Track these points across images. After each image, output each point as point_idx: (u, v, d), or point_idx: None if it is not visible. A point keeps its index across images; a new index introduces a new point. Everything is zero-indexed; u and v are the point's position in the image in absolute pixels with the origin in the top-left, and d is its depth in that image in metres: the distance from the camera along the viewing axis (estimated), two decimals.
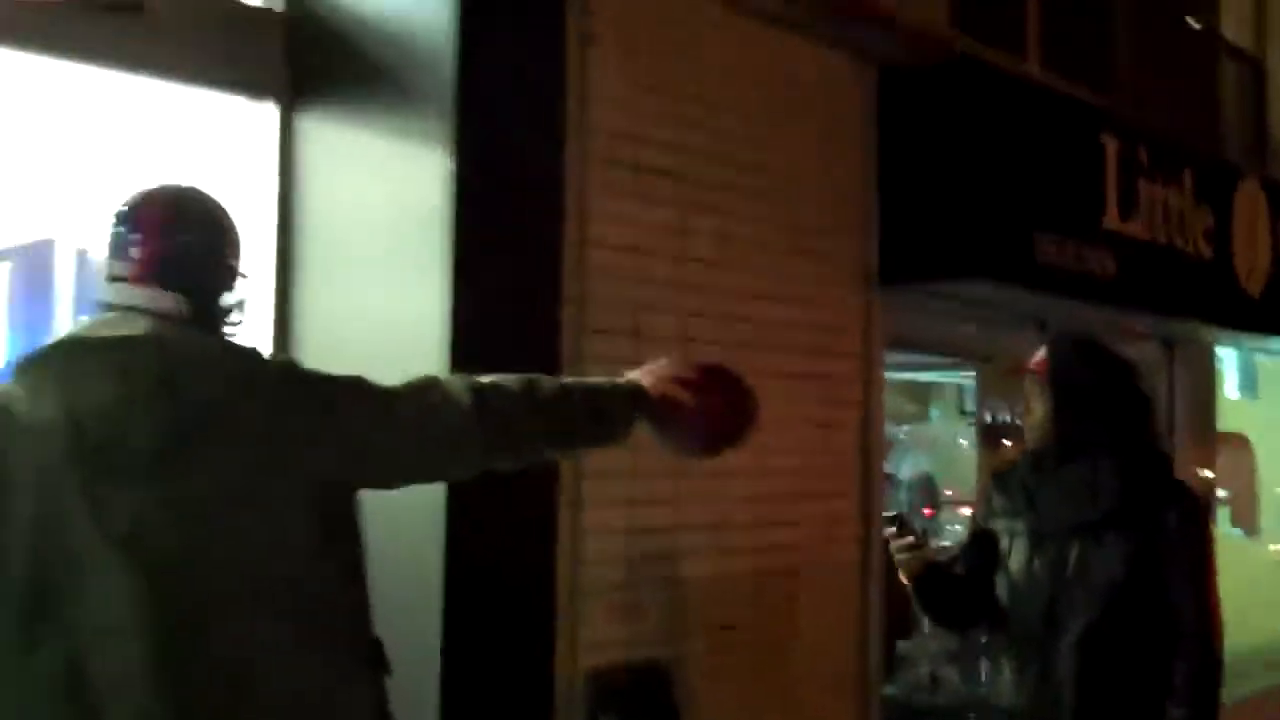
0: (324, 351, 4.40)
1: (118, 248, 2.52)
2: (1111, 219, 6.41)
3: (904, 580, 3.71)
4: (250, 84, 4.37)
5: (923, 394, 9.83)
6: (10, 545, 2.34)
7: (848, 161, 5.74)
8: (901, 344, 6.31)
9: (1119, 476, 3.45)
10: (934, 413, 10.02)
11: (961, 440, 9.33)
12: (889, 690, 6.33)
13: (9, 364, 2.56)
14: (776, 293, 5.33)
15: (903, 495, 9.14)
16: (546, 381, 2.62)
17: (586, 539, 4.53)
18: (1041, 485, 3.57)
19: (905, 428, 9.42)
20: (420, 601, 3.92)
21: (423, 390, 2.52)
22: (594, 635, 4.57)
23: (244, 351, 2.51)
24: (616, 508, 4.66)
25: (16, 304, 5.86)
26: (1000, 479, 3.77)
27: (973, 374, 8.50)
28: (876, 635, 5.81)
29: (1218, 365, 8.54)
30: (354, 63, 4.35)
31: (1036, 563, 3.50)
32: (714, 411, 2.75)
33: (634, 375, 2.75)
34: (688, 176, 4.96)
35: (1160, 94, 7.84)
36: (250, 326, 4.35)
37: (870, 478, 5.79)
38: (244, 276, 2.63)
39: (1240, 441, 9.31)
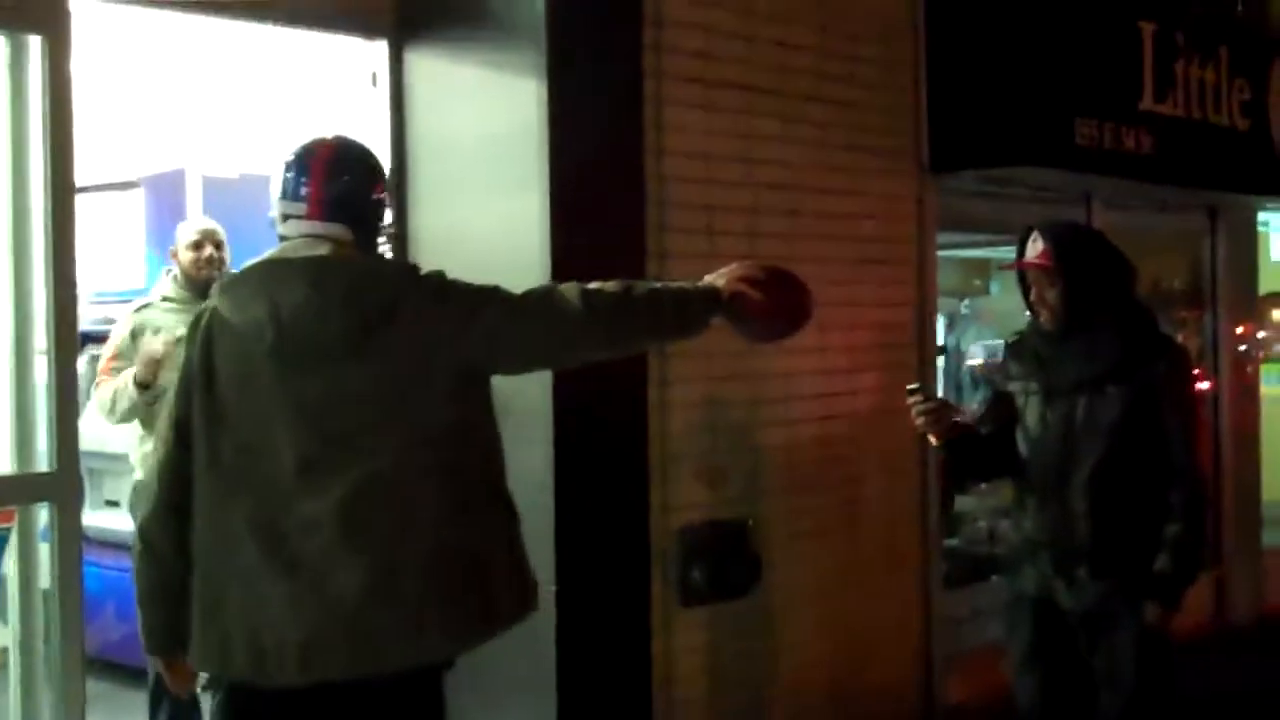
0: (437, 261, 4.91)
1: (292, 190, 3.03)
2: (1148, 101, 6.75)
3: (933, 442, 4.15)
4: (363, 24, 4.82)
5: (984, 268, 10.08)
6: (220, 417, 2.92)
7: (899, 59, 6.05)
8: (955, 225, 6.70)
9: (1117, 338, 3.94)
10: (994, 286, 10.31)
11: (1025, 313, 9.54)
12: (951, 542, 6.71)
13: (217, 283, 3.11)
14: (836, 186, 5.68)
15: (965, 367, 9.48)
16: (640, 285, 3.07)
17: (673, 412, 4.98)
18: (1051, 351, 4.04)
19: (967, 301, 9.59)
20: (536, 471, 4.39)
21: (544, 294, 3.01)
22: (682, 497, 5.03)
23: (406, 267, 3.12)
24: (698, 384, 5.09)
25: (151, 227, 6.46)
26: (1014, 348, 4.23)
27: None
28: (935, 494, 6.21)
29: (1260, 230, 8.81)
30: (456, 1, 4.78)
31: (1050, 416, 4.00)
32: (777, 306, 3.14)
33: (710, 278, 3.13)
34: (753, 86, 5.31)
35: None
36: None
37: (925, 351, 6.18)
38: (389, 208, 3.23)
39: None
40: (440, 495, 2.86)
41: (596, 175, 4.72)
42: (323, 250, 2.95)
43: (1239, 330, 8.30)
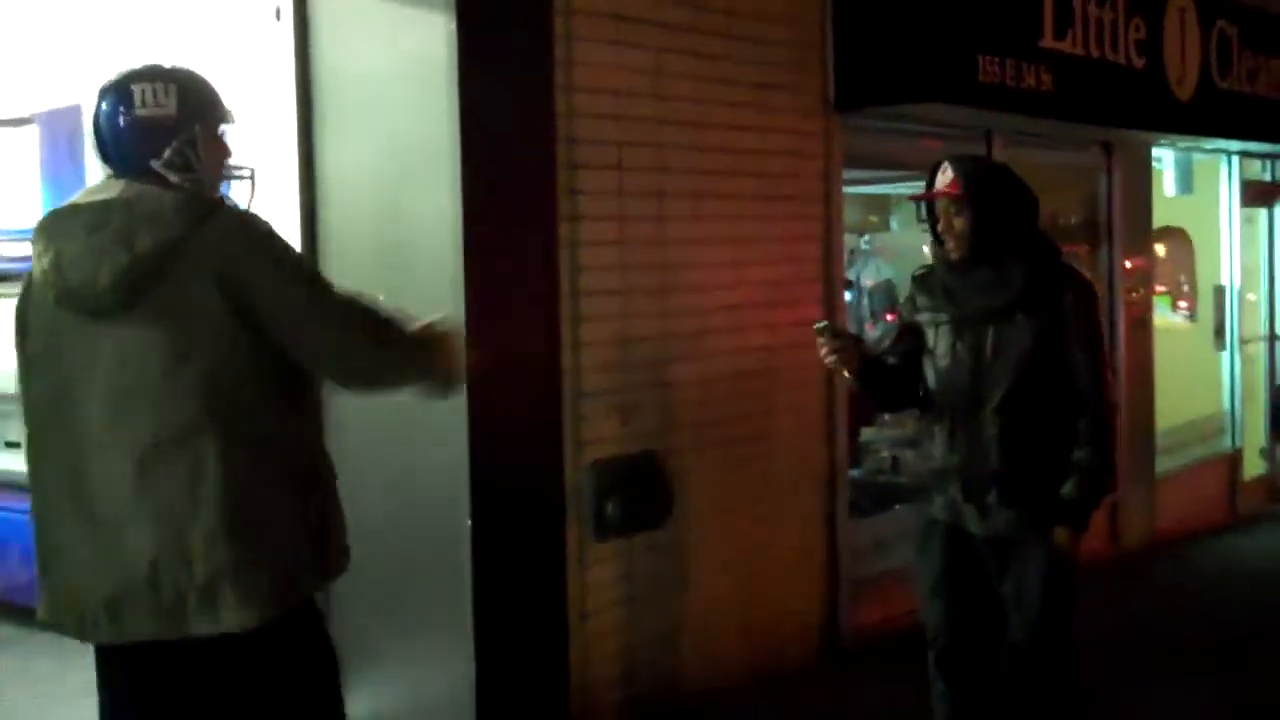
0: (345, 194, 4.94)
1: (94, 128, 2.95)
2: (1048, 39, 6.85)
3: (845, 376, 4.23)
4: None
5: (884, 204, 10.08)
6: (30, 368, 2.90)
7: None
8: (860, 163, 6.75)
9: (1024, 268, 4.01)
10: (894, 222, 10.35)
11: (924, 247, 9.67)
12: (855, 473, 6.82)
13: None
14: (745, 123, 5.72)
15: (865, 300, 9.64)
16: (400, 325, 2.98)
17: (585, 350, 5.03)
18: (958, 282, 4.10)
19: (867, 237, 9.68)
20: (449, 409, 4.22)
21: (349, 306, 2.90)
22: (596, 433, 5.09)
23: (195, 208, 2.81)
24: (610, 321, 5.14)
25: (46, 165, 6.30)
26: (921, 280, 4.28)
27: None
28: (842, 424, 6.31)
29: (1155, 166, 8.99)
30: None
31: (959, 346, 4.06)
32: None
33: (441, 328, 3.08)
34: (663, 22, 5.33)
35: None
36: (274, 178, 4.88)
37: (832, 285, 6.25)
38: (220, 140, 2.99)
39: (1179, 235, 9.77)
40: (230, 460, 2.76)
41: (505, 110, 4.72)
42: (111, 193, 2.86)
43: (1133, 263, 8.48)
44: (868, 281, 9.55)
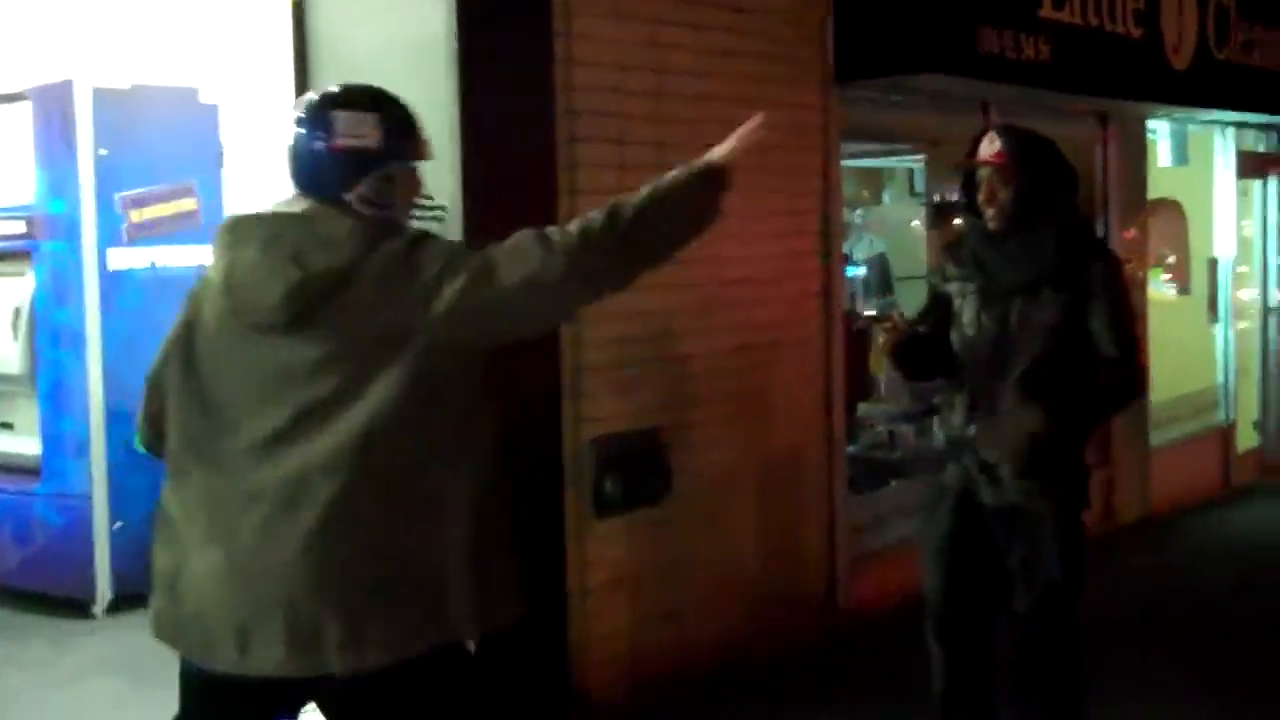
0: None
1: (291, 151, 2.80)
2: (1047, 8, 6.81)
3: (884, 353, 4.22)
4: None
5: (875, 179, 10.01)
6: (191, 373, 2.75)
7: None
8: (858, 135, 6.73)
9: (1054, 243, 4.01)
10: (886, 196, 10.21)
11: (915, 221, 9.60)
12: (852, 449, 6.78)
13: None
14: (746, 96, 5.53)
15: (859, 274, 9.60)
16: (625, 206, 2.72)
17: (586, 325, 4.95)
18: (989, 254, 4.10)
19: (860, 211, 9.63)
20: None
21: (519, 253, 2.66)
22: (596, 409, 5.05)
23: (370, 231, 2.67)
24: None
25: (40, 143, 6.24)
26: (952, 249, 4.29)
27: (922, 158, 8.77)
28: (840, 400, 6.29)
29: (1150, 137, 8.96)
30: None
31: (984, 316, 4.06)
32: None
33: (712, 153, 2.86)
34: None
35: None
36: (270, 156, 4.83)
37: (832, 261, 6.22)
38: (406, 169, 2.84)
39: (1173, 206, 9.74)
40: (381, 493, 2.62)
41: (505, 85, 4.67)
42: (297, 208, 2.76)
43: (1128, 235, 8.46)
44: (862, 255, 9.52)
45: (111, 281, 6.26)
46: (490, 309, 2.67)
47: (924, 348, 4.22)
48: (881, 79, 6.30)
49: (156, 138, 6.33)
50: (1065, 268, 4.01)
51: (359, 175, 2.75)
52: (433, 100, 4.42)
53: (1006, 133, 4.11)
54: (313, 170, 2.78)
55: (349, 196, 2.75)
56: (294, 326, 2.64)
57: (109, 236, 6.25)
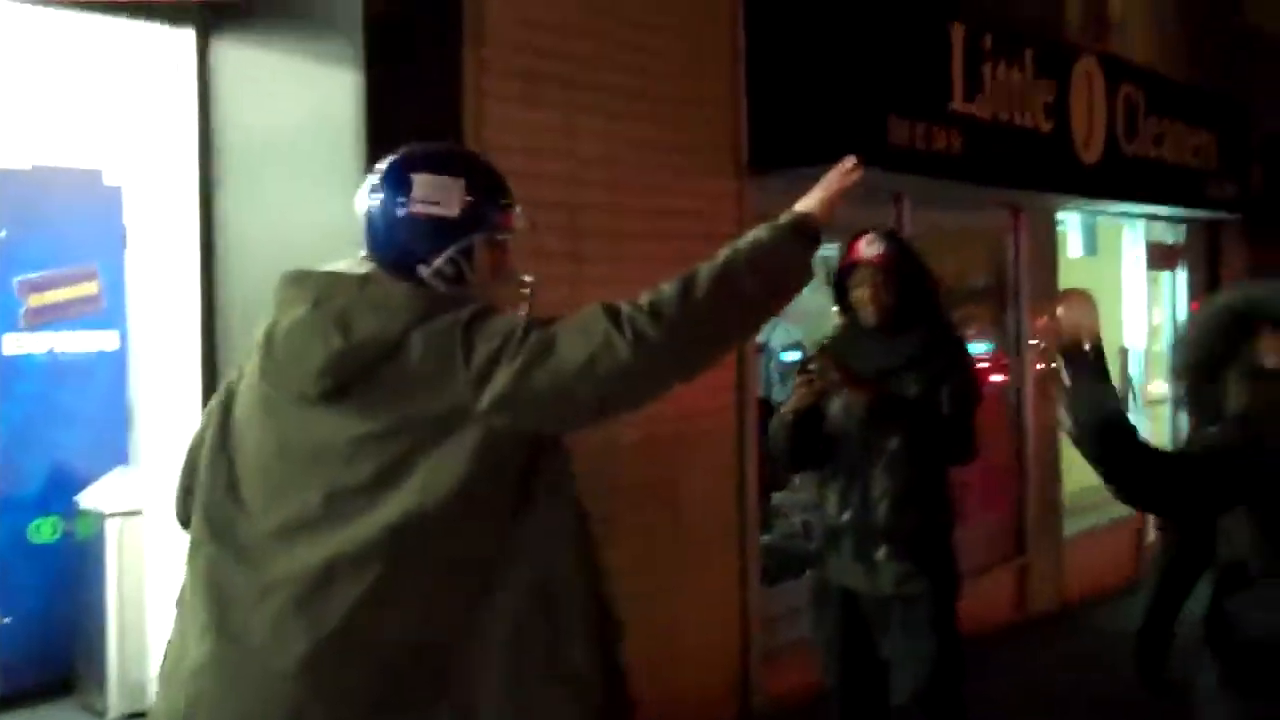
0: (244, 260, 4.79)
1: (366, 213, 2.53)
2: (958, 101, 6.91)
3: (789, 413, 4.21)
4: (168, 13, 4.61)
5: None
6: (222, 447, 2.48)
7: (719, 59, 6.08)
8: None
9: (916, 334, 4.21)
10: None
11: (832, 309, 9.72)
12: (766, 539, 6.75)
13: None
14: (658, 184, 5.69)
15: (774, 364, 9.58)
16: (701, 270, 2.42)
17: None
18: (853, 346, 4.25)
19: None
20: None
21: (583, 330, 2.35)
22: None
23: (426, 302, 2.39)
24: None
25: None
26: (822, 348, 4.36)
27: (835, 248, 8.95)
28: (753, 490, 6.28)
29: (1060, 228, 9.09)
30: None
31: (852, 404, 4.17)
32: None
33: (800, 204, 2.60)
34: (574, 81, 5.26)
35: None
36: (175, 239, 4.73)
37: (746, 351, 6.21)
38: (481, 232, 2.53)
39: (1083, 295, 9.85)
40: (417, 589, 2.32)
41: None
42: (361, 268, 2.49)
43: (1039, 323, 8.50)
44: (778, 344, 9.50)
45: (8, 367, 6.07)
46: (549, 393, 2.32)
47: (815, 425, 4.26)
48: (795, 169, 6.30)
49: (58, 220, 6.17)
50: (924, 356, 4.20)
51: (436, 248, 2.47)
52: (340, 181, 4.38)
53: (887, 236, 4.36)
54: (387, 238, 2.49)
55: (424, 272, 2.46)
56: (334, 399, 2.36)
57: (6, 322, 6.07)
